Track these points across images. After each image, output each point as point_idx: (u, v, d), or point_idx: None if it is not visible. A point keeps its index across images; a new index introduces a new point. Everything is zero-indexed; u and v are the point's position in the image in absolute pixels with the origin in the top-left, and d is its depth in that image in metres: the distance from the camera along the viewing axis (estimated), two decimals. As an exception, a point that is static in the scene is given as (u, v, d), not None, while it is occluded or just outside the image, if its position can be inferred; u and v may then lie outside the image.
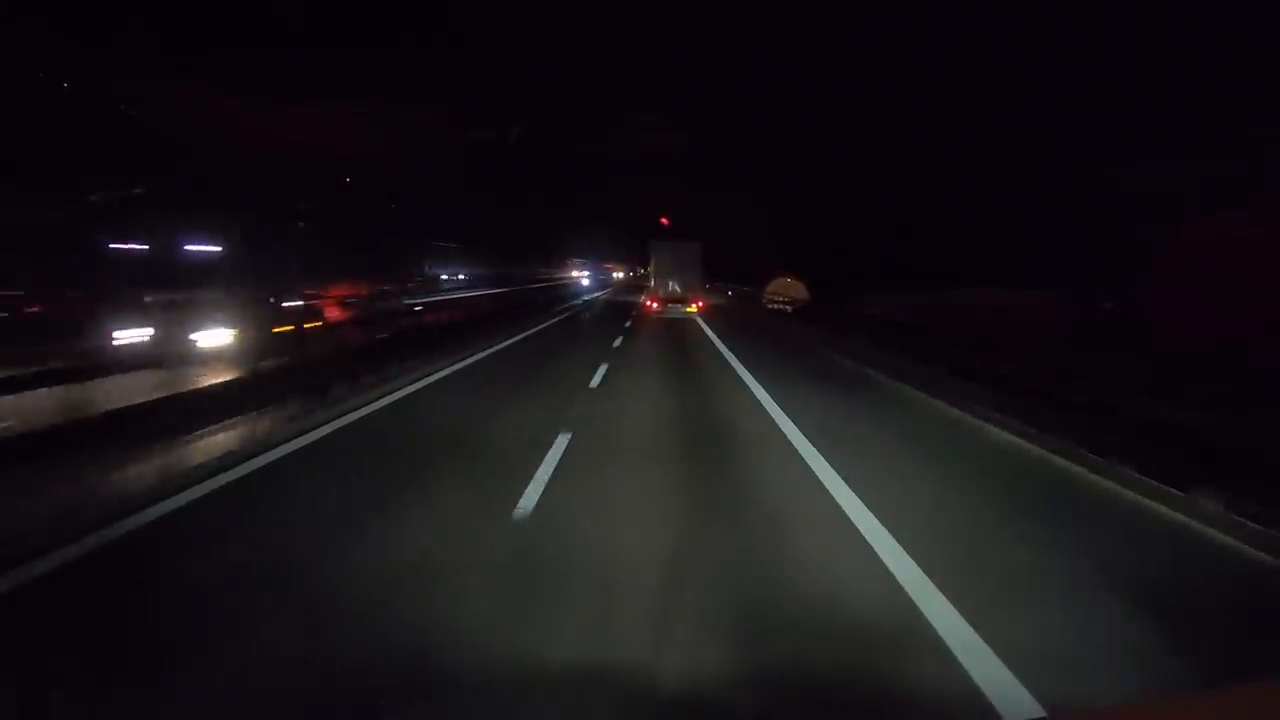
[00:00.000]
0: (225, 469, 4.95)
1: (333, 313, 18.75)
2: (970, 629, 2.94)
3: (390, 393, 8.11)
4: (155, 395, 6.22)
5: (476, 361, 11.30)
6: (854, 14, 32.45)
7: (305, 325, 15.10)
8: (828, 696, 2.55)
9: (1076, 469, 5.78)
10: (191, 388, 7.34)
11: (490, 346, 13.18)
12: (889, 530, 4.04)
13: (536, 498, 4.54)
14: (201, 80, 23.43)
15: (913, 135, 29.17)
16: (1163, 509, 4.77)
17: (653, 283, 25.82)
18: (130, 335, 11.10)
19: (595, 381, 9.58)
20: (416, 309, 23.67)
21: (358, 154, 34.25)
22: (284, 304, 18.05)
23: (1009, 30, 24.41)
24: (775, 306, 30.10)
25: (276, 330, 13.76)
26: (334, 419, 6.64)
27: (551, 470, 5.16)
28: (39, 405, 6.62)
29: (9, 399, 6.69)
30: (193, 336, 11.11)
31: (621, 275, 74.45)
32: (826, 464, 5.53)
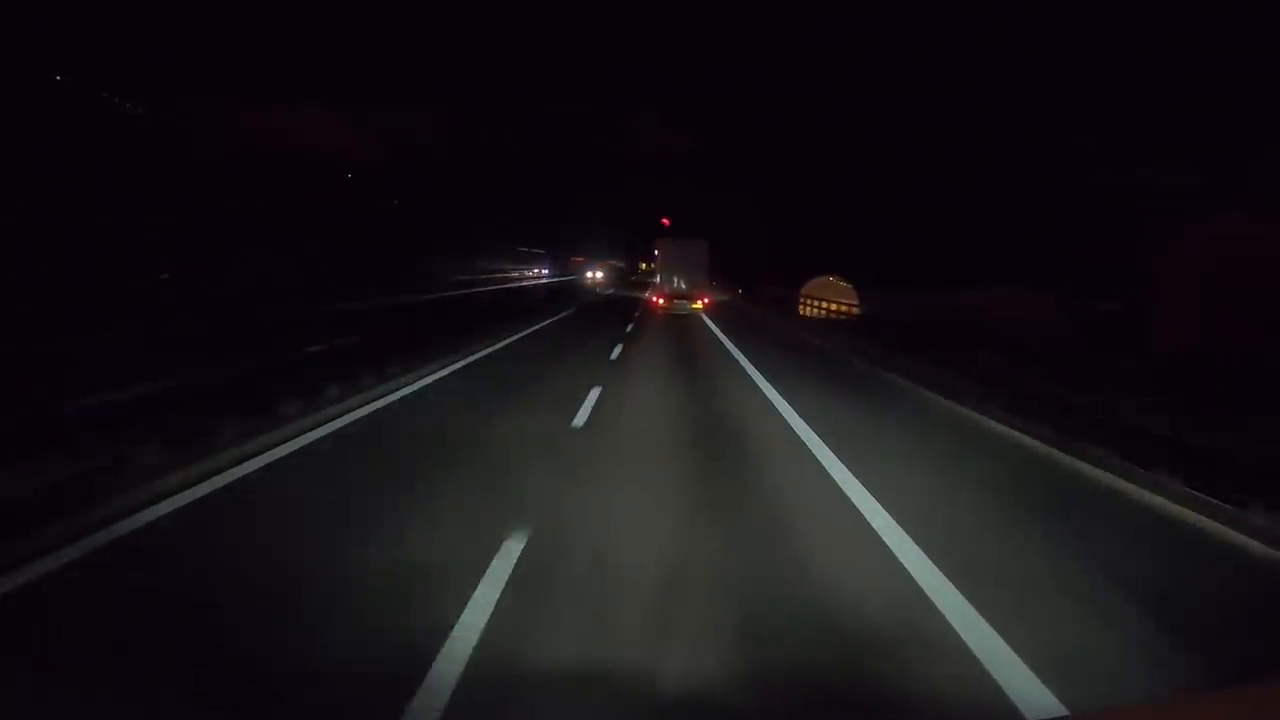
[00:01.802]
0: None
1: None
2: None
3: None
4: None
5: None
6: (819, 15, 32.52)
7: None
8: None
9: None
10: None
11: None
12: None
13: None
14: (202, 80, 23.30)
15: (883, 136, 29.27)
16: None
17: (659, 279, 26.00)
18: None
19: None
20: None
21: (349, 153, 33.90)
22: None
23: (983, 30, 24.55)
24: (815, 315, 23.88)
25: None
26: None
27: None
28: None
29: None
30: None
31: (600, 275, 57.46)
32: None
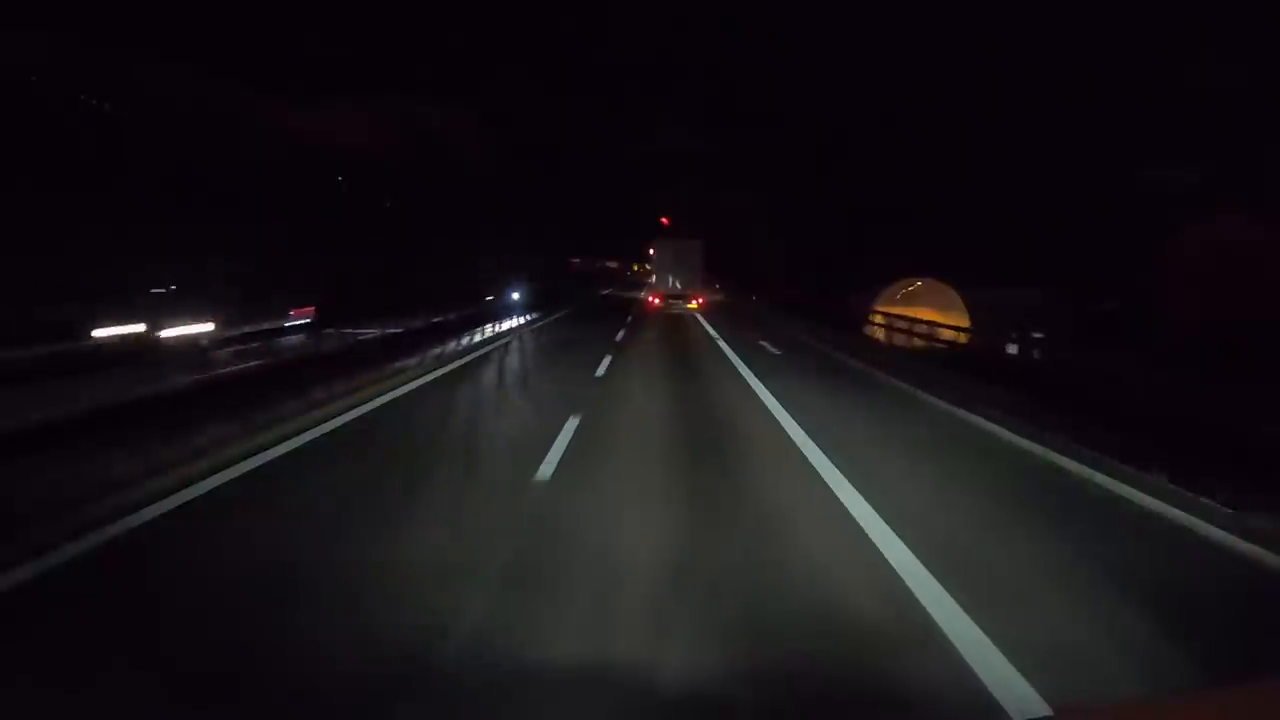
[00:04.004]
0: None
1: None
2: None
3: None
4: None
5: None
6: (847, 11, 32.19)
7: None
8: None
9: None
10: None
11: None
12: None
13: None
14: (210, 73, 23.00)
15: (903, 135, 29.03)
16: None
17: (654, 280, 26.46)
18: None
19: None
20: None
21: (350, 152, 33.56)
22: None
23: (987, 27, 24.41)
24: (892, 340, 16.12)
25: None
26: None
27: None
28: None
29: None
30: None
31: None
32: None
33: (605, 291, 46.38)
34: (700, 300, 25.24)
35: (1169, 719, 1.02)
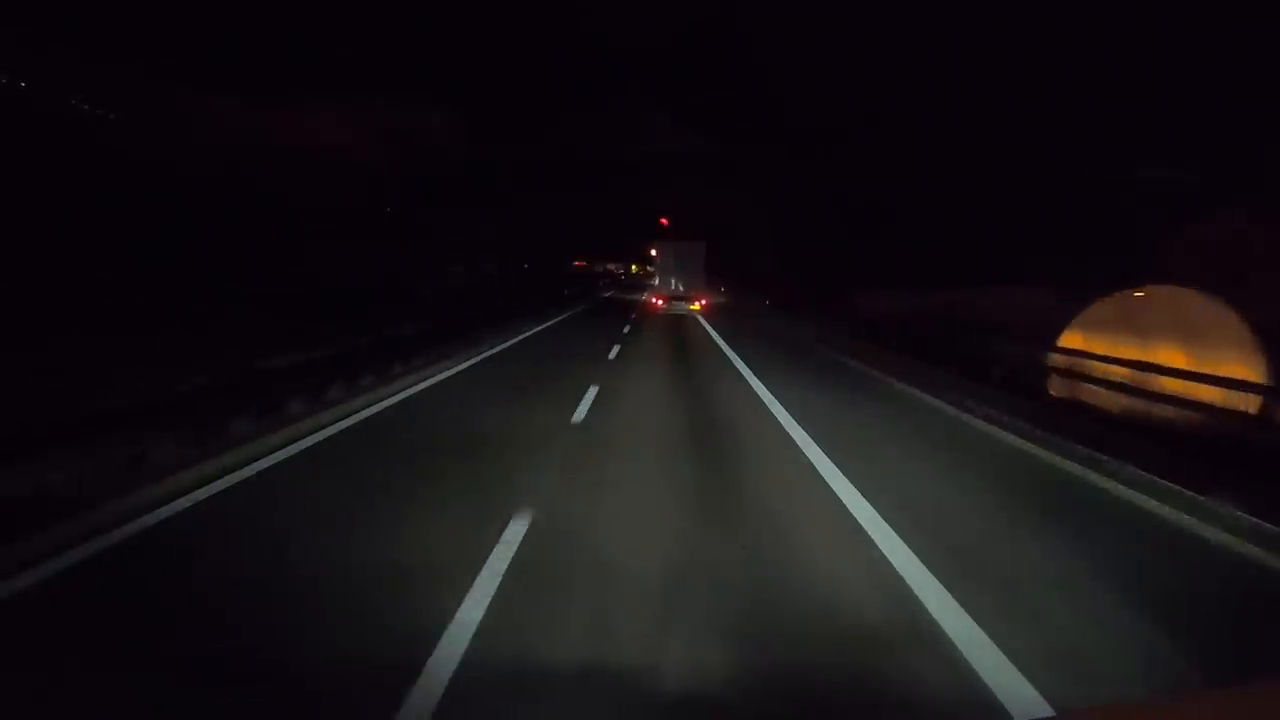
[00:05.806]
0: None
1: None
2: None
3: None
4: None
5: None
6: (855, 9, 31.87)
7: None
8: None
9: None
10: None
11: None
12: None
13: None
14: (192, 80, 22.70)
15: (904, 135, 28.82)
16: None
17: (657, 281, 26.42)
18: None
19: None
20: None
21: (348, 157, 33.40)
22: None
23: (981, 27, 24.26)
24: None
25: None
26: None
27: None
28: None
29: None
30: None
31: None
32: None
33: (607, 294, 46.55)
34: (703, 301, 25.23)
35: (1169, 719, 1.02)
